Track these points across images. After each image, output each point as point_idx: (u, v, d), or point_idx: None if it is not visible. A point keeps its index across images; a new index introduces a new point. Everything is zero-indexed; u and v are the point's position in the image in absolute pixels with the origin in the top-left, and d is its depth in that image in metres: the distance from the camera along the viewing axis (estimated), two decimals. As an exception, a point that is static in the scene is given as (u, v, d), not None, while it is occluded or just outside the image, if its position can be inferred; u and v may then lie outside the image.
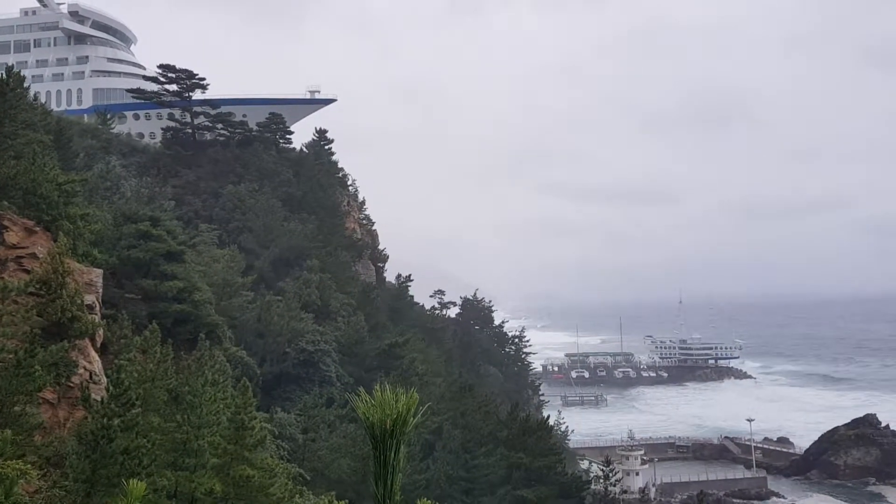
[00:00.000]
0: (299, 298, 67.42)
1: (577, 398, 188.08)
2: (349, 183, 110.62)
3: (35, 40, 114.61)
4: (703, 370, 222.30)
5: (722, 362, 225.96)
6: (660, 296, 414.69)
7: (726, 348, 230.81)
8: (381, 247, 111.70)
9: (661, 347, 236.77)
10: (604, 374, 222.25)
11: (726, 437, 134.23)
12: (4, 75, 37.64)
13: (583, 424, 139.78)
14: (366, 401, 4.94)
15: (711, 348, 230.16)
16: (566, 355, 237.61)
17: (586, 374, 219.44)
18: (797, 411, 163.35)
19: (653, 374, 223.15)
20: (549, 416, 73.12)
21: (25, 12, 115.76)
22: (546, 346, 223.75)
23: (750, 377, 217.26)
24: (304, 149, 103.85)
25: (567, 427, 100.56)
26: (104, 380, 28.65)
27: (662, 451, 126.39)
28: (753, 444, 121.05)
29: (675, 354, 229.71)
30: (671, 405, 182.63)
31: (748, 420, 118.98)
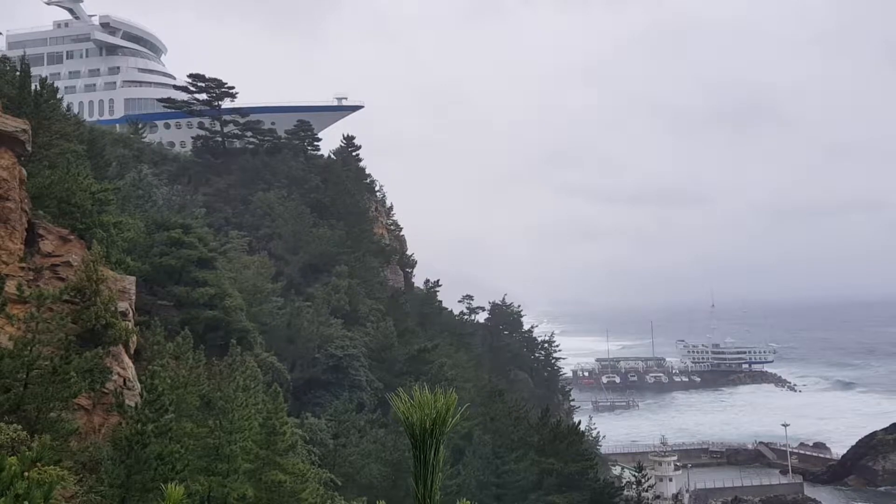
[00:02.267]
0: (328, 304, 67.73)
1: (609, 403, 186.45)
2: (377, 189, 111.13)
3: (68, 52, 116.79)
4: (736, 375, 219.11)
5: (756, 367, 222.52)
6: (691, 299, 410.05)
7: (760, 352, 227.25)
8: (409, 252, 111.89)
9: (693, 352, 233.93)
10: (635, 379, 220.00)
11: (761, 443, 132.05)
12: (39, 87, 38.30)
13: (614, 430, 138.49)
14: (404, 400, 4.87)
15: (745, 353, 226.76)
16: (597, 360, 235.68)
17: (617, 380, 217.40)
18: (833, 416, 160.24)
19: (685, 379, 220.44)
20: (579, 422, 72.57)
21: (58, 24, 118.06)
22: (576, 351, 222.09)
23: (784, 382, 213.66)
24: (332, 155, 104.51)
25: (598, 432, 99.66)
26: (138, 386, 28.90)
27: (696, 456, 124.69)
28: (789, 450, 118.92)
29: (708, 359, 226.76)
30: (704, 410, 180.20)
31: (783, 425, 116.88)
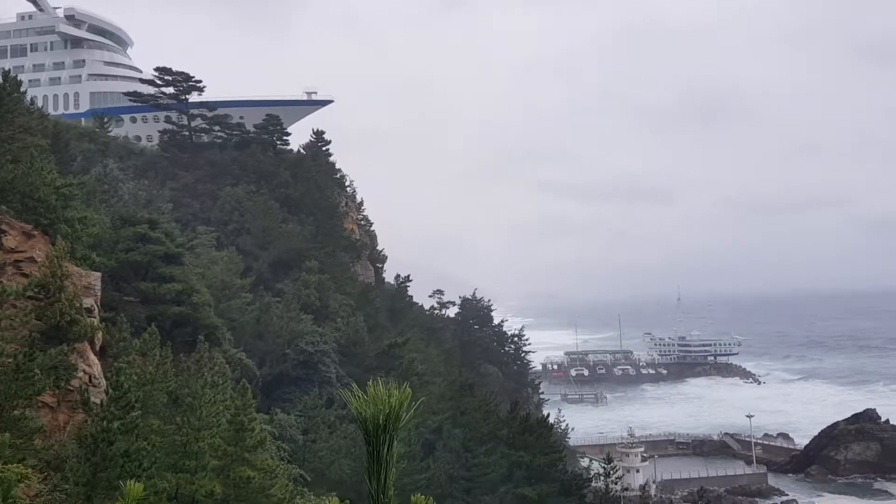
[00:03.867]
0: (298, 299, 67.48)
1: (577, 396, 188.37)
2: (347, 184, 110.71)
3: (32, 44, 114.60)
4: (702, 367, 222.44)
5: (721, 359, 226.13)
6: (658, 293, 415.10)
7: (725, 345, 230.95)
8: (379, 247, 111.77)
9: (660, 345, 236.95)
10: (603, 371, 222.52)
11: (726, 434, 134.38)
12: (1, 80, 37.69)
13: (583, 422, 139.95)
14: (359, 396, 5.02)
15: (710, 345, 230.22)
16: (566, 353, 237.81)
17: (586, 373, 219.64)
18: (797, 407, 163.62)
19: (652, 372, 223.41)
20: (549, 415, 73.13)
21: (22, 17, 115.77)
22: (545, 345, 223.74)
23: (749, 373, 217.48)
24: (302, 150, 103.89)
25: (567, 425, 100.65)
26: (104, 383, 28.70)
27: (663, 447, 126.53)
28: (753, 441, 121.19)
29: (675, 352, 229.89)
30: (671, 402, 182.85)
31: (748, 416, 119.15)
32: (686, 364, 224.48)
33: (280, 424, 44.76)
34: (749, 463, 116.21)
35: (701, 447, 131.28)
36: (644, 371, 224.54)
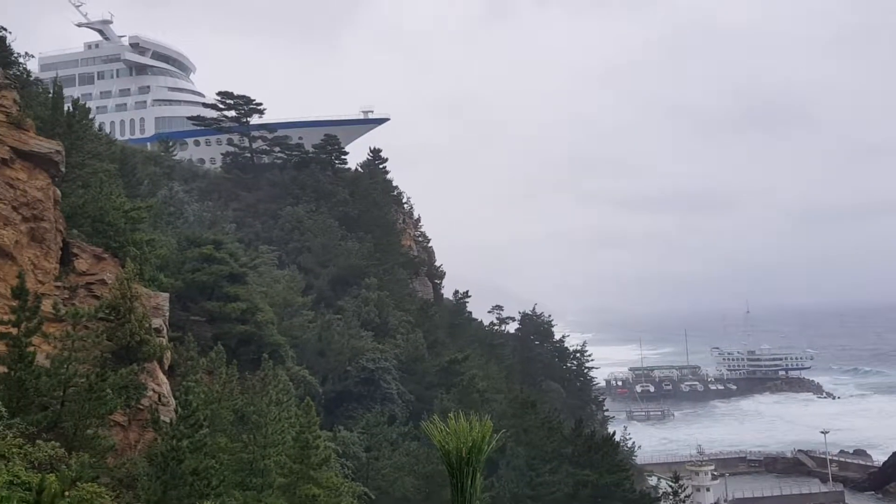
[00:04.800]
0: (358, 316, 67.85)
1: (643, 413, 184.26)
2: (404, 200, 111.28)
3: (99, 72, 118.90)
4: (773, 382, 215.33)
5: (793, 373, 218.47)
6: (724, 305, 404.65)
7: (797, 359, 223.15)
8: (437, 263, 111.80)
9: (728, 359, 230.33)
10: (670, 388, 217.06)
11: (800, 451, 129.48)
12: (71, 108, 38.96)
13: (650, 440, 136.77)
14: (440, 429, 4.74)
15: (781, 359, 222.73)
16: (630, 369, 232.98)
17: (651, 389, 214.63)
18: (872, 422, 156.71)
19: (721, 387, 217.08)
20: (614, 432, 71.73)
21: (89, 46, 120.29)
22: (608, 361, 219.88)
23: (823, 388, 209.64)
24: (359, 168, 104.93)
25: (633, 443, 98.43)
26: (172, 401, 29.11)
27: (733, 465, 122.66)
28: (829, 457, 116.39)
29: (744, 366, 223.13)
30: (741, 418, 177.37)
31: (822, 432, 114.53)
32: (756, 379, 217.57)
33: (343, 442, 44.76)
34: (825, 481, 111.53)
35: (773, 465, 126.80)
36: (712, 387, 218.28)
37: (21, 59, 40.86)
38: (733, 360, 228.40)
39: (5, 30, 35.30)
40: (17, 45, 45.36)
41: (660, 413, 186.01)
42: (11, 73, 34.72)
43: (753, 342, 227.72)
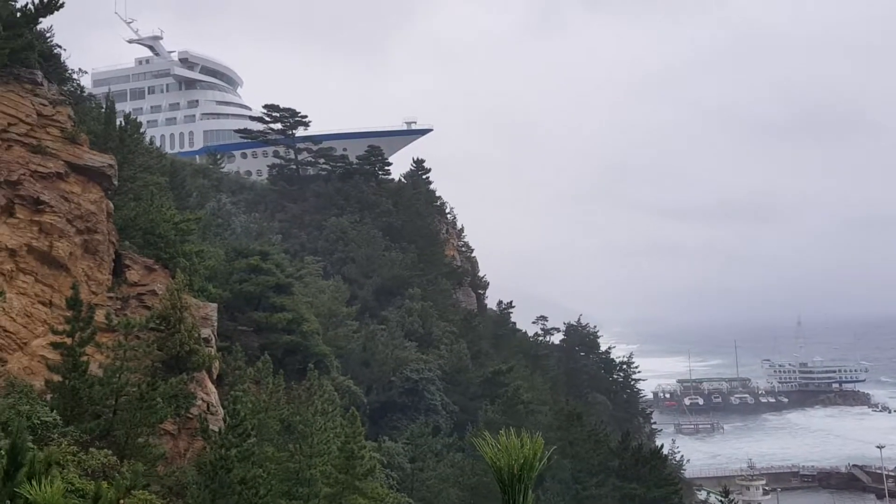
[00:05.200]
0: (402, 327, 68.01)
1: (692, 426, 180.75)
2: (447, 211, 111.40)
3: (149, 87, 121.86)
4: (826, 395, 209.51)
5: (847, 386, 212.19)
6: (775, 317, 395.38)
7: (851, 371, 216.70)
8: (480, 273, 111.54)
9: (779, 372, 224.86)
10: (719, 400, 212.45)
11: (855, 465, 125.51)
12: (123, 122, 39.94)
13: (699, 453, 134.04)
14: (491, 444, 4.68)
15: (834, 371, 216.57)
16: (678, 381, 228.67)
17: (700, 401, 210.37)
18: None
19: (772, 400, 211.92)
20: (662, 445, 70.43)
21: (139, 61, 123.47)
22: (656, 373, 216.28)
23: (878, 401, 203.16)
24: (403, 179, 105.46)
25: (682, 456, 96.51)
26: (221, 411, 29.48)
27: (786, 480, 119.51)
28: (885, 473, 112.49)
29: (796, 379, 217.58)
30: (793, 432, 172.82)
31: (878, 447, 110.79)
32: (808, 392, 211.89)
33: (388, 452, 44.81)
34: (881, 497, 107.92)
35: (827, 479, 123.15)
36: (763, 399, 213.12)
37: (75, 76, 42.13)
38: (785, 372, 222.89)
39: (60, 47, 36.41)
40: (71, 61, 46.79)
41: (709, 426, 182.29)
42: (66, 89, 35.77)
43: (805, 354, 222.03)
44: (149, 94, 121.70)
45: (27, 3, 30.27)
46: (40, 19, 31.07)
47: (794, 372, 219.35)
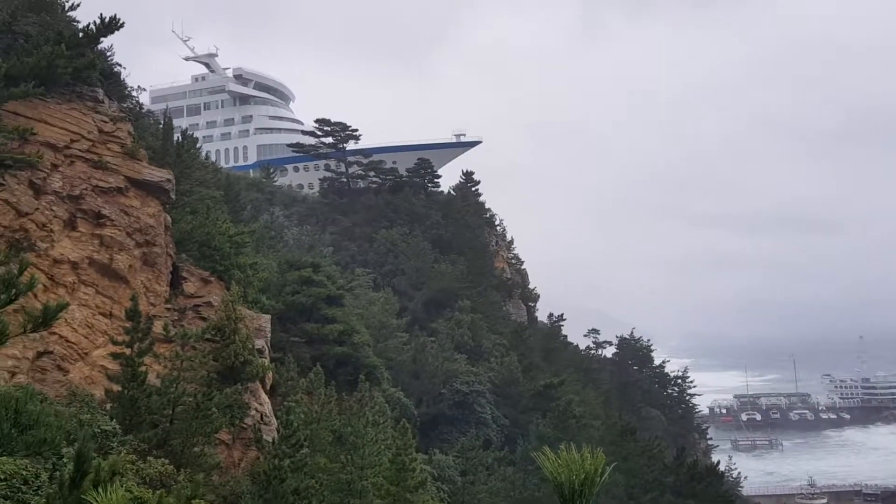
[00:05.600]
0: (452, 339, 67.87)
1: (749, 442, 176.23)
2: (496, 223, 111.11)
3: (205, 103, 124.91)
4: (890, 411, 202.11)
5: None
6: (836, 331, 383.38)
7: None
8: (531, 286, 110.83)
9: (840, 387, 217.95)
10: (777, 416, 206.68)
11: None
12: (180, 138, 40.93)
13: (756, 470, 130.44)
14: (552, 459, 4.57)
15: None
16: (735, 396, 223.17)
17: (758, 417, 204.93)
18: None
19: (833, 416, 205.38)
20: (718, 462, 68.73)
21: (195, 78, 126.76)
22: (711, 387, 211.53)
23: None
24: (452, 191, 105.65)
25: (739, 473, 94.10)
26: (274, 421, 29.79)
27: (848, 499, 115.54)
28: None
29: (858, 394, 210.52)
30: (856, 449, 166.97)
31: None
32: (871, 408, 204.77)
33: (438, 465, 44.65)
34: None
35: (892, 499, 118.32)
36: (824, 416, 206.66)
37: (134, 93, 43.39)
38: (846, 387, 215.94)
39: (120, 65, 37.54)
40: (131, 79, 48.13)
41: (767, 442, 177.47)
42: (126, 106, 36.84)
43: (868, 369, 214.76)
44: (204, 109, 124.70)
45: (89, 24, 31.28)
46: (101, 39, 32.04)
47: (856, 387, 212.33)
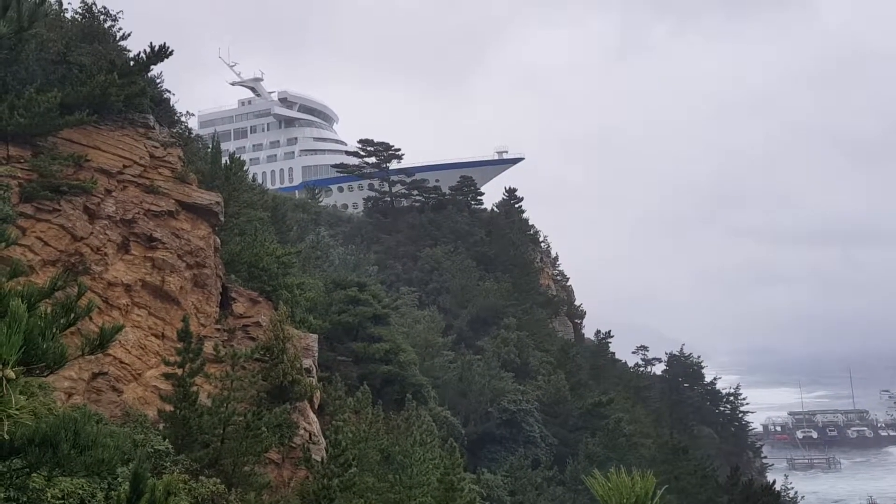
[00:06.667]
0: (498, 357, 67.50)
1: (806, 461, 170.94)
2: (541, 239, 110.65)
3: (251, 127, 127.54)
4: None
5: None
6: (890, 345, 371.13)
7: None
8: (577, 302, 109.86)
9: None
10: (835, 433, 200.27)
11: None
12: (228, 161, 41.77)
13: (814, 490, 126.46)
14: (602, 483, 4.50)
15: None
16: (790, 414, 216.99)
17: (814, 435, 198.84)
18: None
19: (893, 434, 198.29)
20: (774, 481, 66.73)
21: (242, 102, 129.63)
22: (766, 405, 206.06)
23: None
24: (495, 208, 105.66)
25: (796, 493, 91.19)
26: (322, 440, 29.93)
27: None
28: None
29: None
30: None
31: None
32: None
33: (487, 485, 44.31)
34: None
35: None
36: (883, 433, 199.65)
37: (183, 118, 44.44)
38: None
39: (170, 92, 38.55)
40: (180, 105, 49.39)
41: (824, 461, 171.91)
42: (175, 131, 37.73)
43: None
44: (251, 133, 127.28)
45: (140, 52, 32.25)
46: (151, 67, 33.00)
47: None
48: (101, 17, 34.59)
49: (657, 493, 4.56)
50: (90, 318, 22.76)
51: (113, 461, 5.96)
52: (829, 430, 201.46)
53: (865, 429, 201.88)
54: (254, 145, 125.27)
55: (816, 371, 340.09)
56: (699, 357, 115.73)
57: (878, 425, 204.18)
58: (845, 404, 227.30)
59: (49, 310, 6.14)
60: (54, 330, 5.70)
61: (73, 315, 6.33)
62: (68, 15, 34.75)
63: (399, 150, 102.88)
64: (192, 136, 49.69)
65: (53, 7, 34.75)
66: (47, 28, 31.73)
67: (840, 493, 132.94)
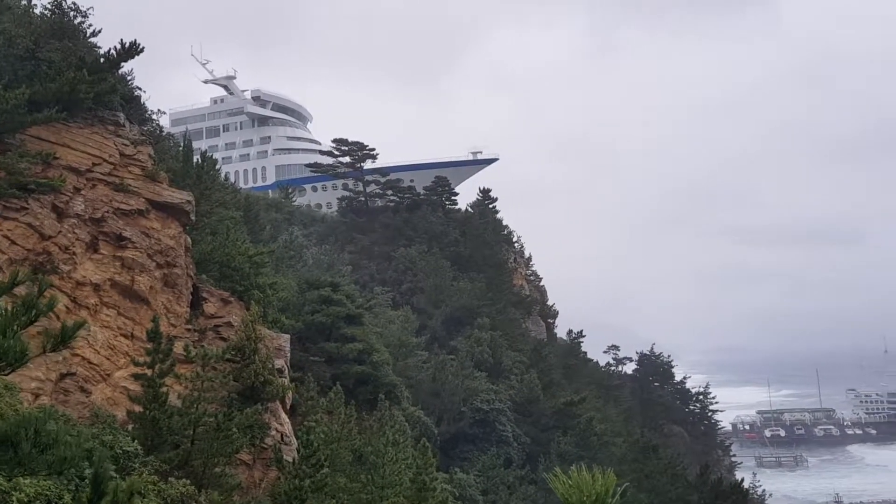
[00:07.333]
0: (472, 357, 67.70)
1: (774, 459, 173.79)
2: (515, 240, 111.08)
3: (224, 125, 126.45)
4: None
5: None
6: (860, 345, 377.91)
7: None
8: (550, 302, 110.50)
9: (866, 402, 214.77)
10: (802, 432, 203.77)
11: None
12: (200, 160, 41.39)
13: (782, 488, 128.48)
14: (563, 481, 4.60)
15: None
16: (758, 412, 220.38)
17: (782, 433, 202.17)
18: None
19: (859, 432, 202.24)
20: (742, 479, 67.82)
21: (214, 101, 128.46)
22: (734, 403, 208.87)
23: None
24: (470, 209, 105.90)
25: (764, 490, 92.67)
26: (294, 441, 29.79)
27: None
28: None
29: (884, 409, 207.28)
30: (883, 466, 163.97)
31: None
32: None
33: (459, 484, 44.43)
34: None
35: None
36: (849, 431, 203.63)
37: (154, 116, 43.88)
38: (872, 402, 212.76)
39: (140, 89, 38.06)
40: (151, 102, 48.78)
41: (792, 459, 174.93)
42: (146, 129, 37.25)
43: (894, 383, 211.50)
44: (223, 131, 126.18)
45: (110, 49, 31.84)
46: (122, 64, 32.59)
47: (883, 402, 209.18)
48: (71, 13, 34.02)
49: (618, 491, 4.67)
50: (58, 318, 22.49)
51: (76, 459, 5.93)
52: (797, 429, 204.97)
53: (832, 427, 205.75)
54: (226, 144, 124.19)
55: (784, 370, 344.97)
56: (669, 356, 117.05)
57: (845, 424, 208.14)
58: (812, 403, 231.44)
59: (10, 307, 6.09)
60: (15, 327, 5.66)
61: (34, 312, 6.28)
62: (37, 10, 34.19)
63: (374, 149, 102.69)
64: (164, 134, 49.17)
65: (22, 2, 34.21)
66: (16, 24, 31.23)
67: (808, 491, 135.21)
